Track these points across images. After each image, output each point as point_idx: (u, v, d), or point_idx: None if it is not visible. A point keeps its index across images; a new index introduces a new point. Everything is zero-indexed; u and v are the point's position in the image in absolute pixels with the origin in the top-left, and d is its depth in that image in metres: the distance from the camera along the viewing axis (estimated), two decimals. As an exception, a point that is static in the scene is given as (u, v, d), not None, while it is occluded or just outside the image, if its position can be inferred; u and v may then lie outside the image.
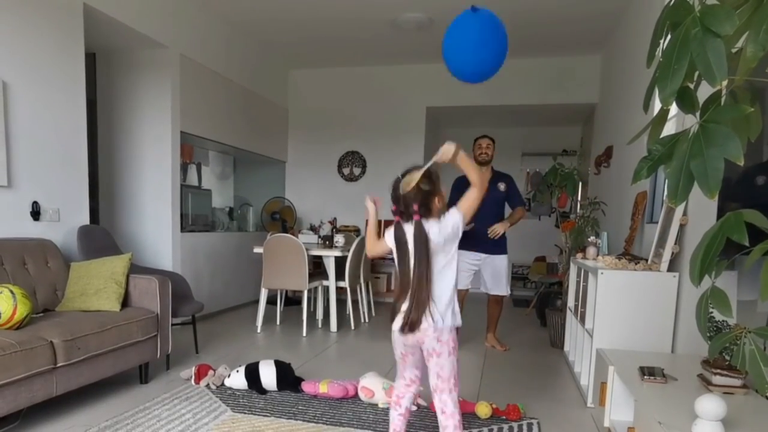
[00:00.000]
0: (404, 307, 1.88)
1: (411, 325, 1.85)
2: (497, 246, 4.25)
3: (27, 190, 3.25)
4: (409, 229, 1.89)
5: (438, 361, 1.90)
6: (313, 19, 5.14)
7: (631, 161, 3.77)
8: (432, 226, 1.88)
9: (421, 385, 2.13)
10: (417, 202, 1.85)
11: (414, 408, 2.82)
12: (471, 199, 1.95)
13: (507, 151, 7.82)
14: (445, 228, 1.89)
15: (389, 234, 1.99)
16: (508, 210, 4.36)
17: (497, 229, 4.12)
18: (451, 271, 1.92)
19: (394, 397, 2.08)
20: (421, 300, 1.84)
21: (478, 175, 1.96)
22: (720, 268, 1.36)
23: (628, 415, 2.27)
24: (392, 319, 1.94)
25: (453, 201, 4.57)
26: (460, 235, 1.92)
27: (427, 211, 1.88)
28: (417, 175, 1.86)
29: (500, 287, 4.32)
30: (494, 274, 4.29)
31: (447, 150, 1.93)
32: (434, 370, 1.92)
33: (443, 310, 1.88)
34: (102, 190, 4.66)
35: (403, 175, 1.90)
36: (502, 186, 4.27)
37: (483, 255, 4.24)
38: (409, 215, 1.88)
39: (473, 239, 4.11)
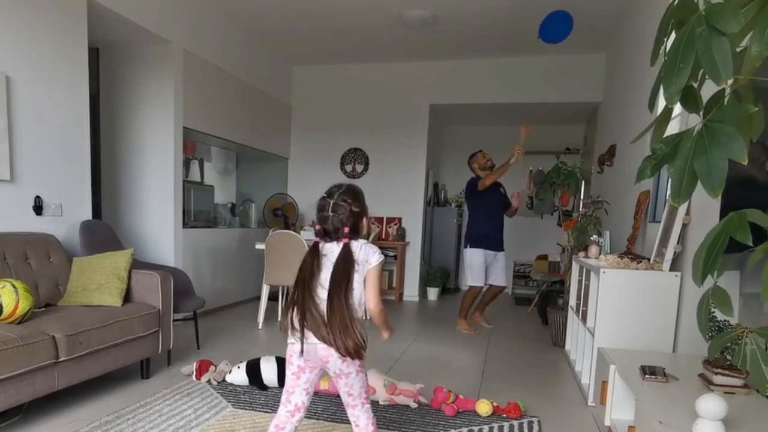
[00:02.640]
0: (307, 330, 1.74)
1: (355, 353, 1.72)
2: (502, 244, 5.02)
3: (30, 185, 3.25)
4: (331, 250, 1.79)
5: (347, 382, 1.81)
6: (317, 15, 5.13)
7: (635, 160, 3.76)
8: (356, 247, 1.79)
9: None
10: (348, 225, 1.77)
11: (415, 405, 2.83)
12: (373, 291, 1.82)
13: (509, 149, 7.79)
14: (365, 254, 1.79)
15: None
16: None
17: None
18: (357, 292, 1.78)
19: (272, 427, 1.84)
20: (344, 323, 1.71)
21: (379, 306, 1.85)
22: (722, 268, 1.35)
23: (628, 414, 2.27)
24: (287, 330, 1.79)
25: (471, 207, 5.11)
26: (367, 269, 1.79)
27: (355, 233, 1.81)
28: None
29: (503, 279, 5.01)
30: (499, 268, 4.95)
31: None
32: (344, 390, 1.83)
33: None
34: (104, 186, 4.67)
35: (329, 194, 1.81)
36: (502, 190, 5.03)
37: (492, 252, 4.90)
38: (338, 237, 1.79)
39: (490, 238, 4.89)
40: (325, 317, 1.72)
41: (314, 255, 1.80)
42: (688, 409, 1.62)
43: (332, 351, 1.73)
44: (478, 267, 4.85)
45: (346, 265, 1.75)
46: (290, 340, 1.79)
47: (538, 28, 4.15)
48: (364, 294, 1.80)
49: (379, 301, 1.84)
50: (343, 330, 1.70)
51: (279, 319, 5.06)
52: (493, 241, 4.89)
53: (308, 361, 1.79)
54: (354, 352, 1.72)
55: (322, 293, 1.75)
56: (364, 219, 1.85)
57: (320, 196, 1.88)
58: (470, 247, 4.89)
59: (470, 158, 5.13)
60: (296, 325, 1.76)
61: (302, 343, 1.76)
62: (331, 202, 1.78)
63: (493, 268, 4.92)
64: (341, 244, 1.77)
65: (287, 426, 1.83)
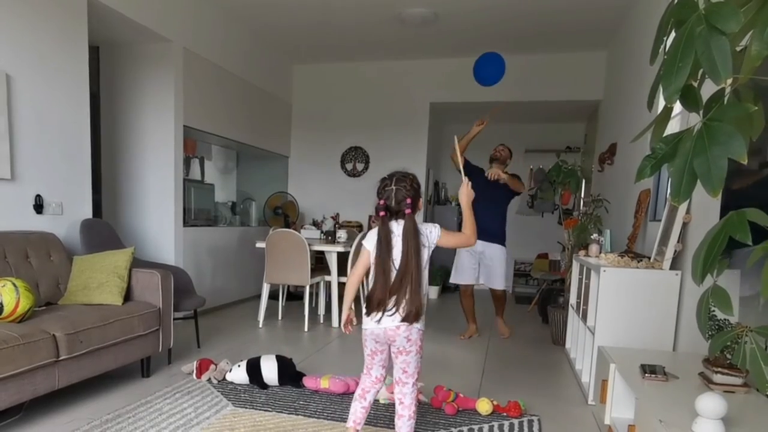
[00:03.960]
0: (390, 303, 1.96)
1: (411, 316, 1.93)
2: (492, 236, 4.38)
3: (30, 184, 3.26)
4: (396, 227, 1.98)
5: (405, 359, 2.04)
6: (317, 13, 5.13)
7: (635, 159, 3.76)
8: (420, 225, 1.98)
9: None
10: (410, 197, 1.95)
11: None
12: (455, 239, 2.14)
13: (511, 147, 7.80)
14: (426, 233, 2.01)
15: (371, 236, 2.06)
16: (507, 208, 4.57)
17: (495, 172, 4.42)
18: (424, 277, 2.00)
19: (359, 390, 2.16)
20: (413, 291, 1.92)
21: (473, 228, 2.10)
22: (722, 267, 1.35)
23: (628, 412, 2.27)
24: (369, 313, 2.01)
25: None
26: (432, 248, 2.04)
27: (415, 209, 1.97)
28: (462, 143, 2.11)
29: (494, 280, 4.43)
30: (488, 264, 4.42)
31: (467, 195, 2.17)
32: (401, 366, 2.06)
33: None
34: (105, 184, 4.67)
35: (391, 177, 2.00)
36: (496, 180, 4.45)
37: (481, 242, 4.29)
38: (399, 212, 1.97)
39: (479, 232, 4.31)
40: (399, 284, 1.93)
41: (387, 232, 1.97)
42: (688, 408, 1.62)
43: (399, 331, 1.97)
44: (459, 264, 4.55)
45: (414, 232, 1.94)
46: (365, 324, 2.04)
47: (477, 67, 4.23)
48: (456, 237, 2.10)
49: (467, 230, 2.10)
50: (412, 294, 1.91)
51: (279, 317, 5.07)
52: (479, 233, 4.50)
53: (378, 343, 2.06)
54: (416, 315, 1.93)
55: (394, 267, 1.96)
56: (420, 199, 2.02)
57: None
58: None
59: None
60: (375, 306, 1.97)
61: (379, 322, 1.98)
62: (395, 177, 1.98)
63: (484, 265, 4.48)
64: (405, 219, 1.95)
65: (372, 389, 2.16)
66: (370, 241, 2.05)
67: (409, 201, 1.93)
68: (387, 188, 1.98)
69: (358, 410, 2.16)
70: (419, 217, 2.12)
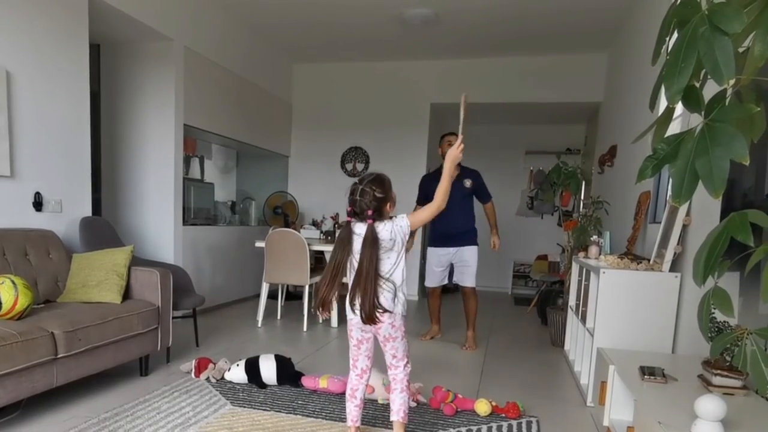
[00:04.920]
0: (357, 300, 2.07)
1: (368, 317, 2.03)
2: (465, 239, 4.35)
3: (30, 181, 3.25)
4: (359, 229, 2.09)
5: (393, 345, 2.17)
6: (318, 13, 5.13)
7: (636, 160, 3.75)
8: (384, 227, 2.08)
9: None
10: (371, 208, 2.05)
11: (413, 404, 2.83)
12: (425, 213, 2.19)
13: (510, 149, 7.82)
14: (396, 230, 2.10)
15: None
16: (477, 206, 4.47)
17: (496, 242, 4.41)
18: (399, 268, 2.12)
19: (349, 390, 2.25)
20: (368, 293, 2.02)
21: (445, 195, 2.16)
22: (723, 269, 1.35)
23: (627, 414, 2.27)
24: (351, 307, 2.12)
25: (419, 199, 4.62)
26: (406, 239, 2.13)
27: (379, 215, 2.08)
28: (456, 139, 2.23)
29: (466, 278, 4.35)
30: (461, 264, 4.36)
31: (455, 154, 2.22)
32: (390, 353, 2.20)
33: (396, 300, 2.11)
34: (104, 182, 4.67)
35: (359, 181, 2.11)
36: (468, 182, 4.36)
37: (452, 249, 4.34)
38: (363, 218, 2.06)
39: (442, 235, 4.37)
40: (357, 284, 2.05)
41: (348, 234, 2.11)
42: (687, 410, 1.62)
43: (384, 317, 2.07)
44: (429, 268, 4.46)
45: (371, 240, 2.05)
46: (349, 315, 2.15)
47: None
48: (425, 211, 2.19)
49: (439, 195, 2.17)
50: (365, 296, 2.01)
51: (278, 317, 5.06)
52: (450, 238, 4.31)
53: (364, 331, 2.16)
54: (368, 316, 2.01)
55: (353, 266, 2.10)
56: (388, 204, 2.12)
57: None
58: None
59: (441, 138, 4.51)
60: (355, 299, 2.07)
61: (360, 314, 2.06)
62: (360, 187, 2.08)
63: (459, 266, 4.34)
64: (367, 224, 2.06)
65: (359, 387, 2.24)
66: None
67: (370, 212, 2.04)
68: (353, 196, 2.09)
69: (352, 410, 2.25)
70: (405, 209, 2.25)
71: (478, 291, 4.42)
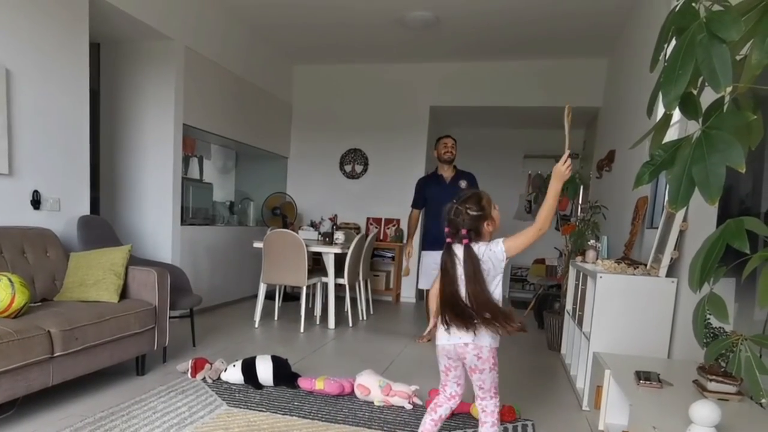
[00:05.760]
0: (453, 324, 1.95)
1: (491, 323, 1.93)
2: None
3: (28, 179, 3.25)
4: (458, 251, 1.96)
5: (480, 377, 2.02)
6: (319, 14, 5.14)
7: (633, 166, 3.76)
8: (478, 249, 1.95)
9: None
10: (466, 227, 1.93)
11: (410, 407, 2.83)
12: (522, 238, 1.96)
13: (509, 153, 7.84)
14: (489, 254, 1.95)
15: (429, 257, 2.05)
16: None
17: None
18: (494, 296, 1.98)
19: (432, 404, 2.16)
20: (466, 316, 1.91)
21: (548, 216, 1.95)
22: (719, 275, 1.36)
23: (622, 419, 2.27)
24: (440, 329, 2.00)
25: (416, 202, 4.54)
26: (501, 267, 1.98)
27: (476, 235, 1.96)
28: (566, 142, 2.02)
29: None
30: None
31: (561, 171, 1.96)
32: (477, 384, 2.05)
33: (483, 330, 1.95)
34: (103, 181, 4.66)
35: (457, 199, 1.99)
36: (463, 184, 4.39)
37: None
38: (459, 238, 1.94)
39: (437, 239, 4.23)
40: (469, 303, 1.92)
41: (450, 256, 1.98)
42: (682, 415, 1.63)
43: (468, 348, 1.96)
44: (430, 270, 4.40)
45: (471, 260, 1.92)
46: (439, 341, 2.03)
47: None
48: (524, 235, 1.96)
49: (541, 215, 1.96)
50: (482, 306, 1.90)
51: (276, 318, 5.06)
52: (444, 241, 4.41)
53: (451, 359, 2.04)
54: (501, 320, 1.92)
55: (461, 288, 1.95)
56: (485, 222, 1.97)
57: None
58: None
59: (437, 140, 4.66)
60: (447, 323, 1.96)
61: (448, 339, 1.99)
62: (455, 207, 1.98)
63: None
64: (463, 245, 1.94)
65: (444, 405, 2.13)
66: (430, 259, 2.06)
67: (464, 231, 1.93)
68: (449, 215, 1.99)
69: (427, 422, 2.14)
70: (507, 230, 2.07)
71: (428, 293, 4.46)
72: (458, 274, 1.95)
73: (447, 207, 2.02)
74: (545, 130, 7.75)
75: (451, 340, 1.98)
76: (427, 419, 2.14)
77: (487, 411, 2.08)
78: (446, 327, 1.97)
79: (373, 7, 4.90)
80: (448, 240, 2.00)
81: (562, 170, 1.95)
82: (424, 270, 4.52)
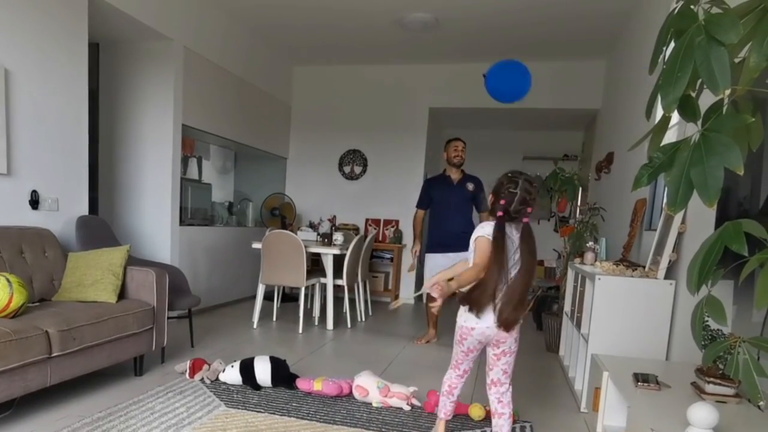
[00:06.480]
0: (500, 304, 1.91)
1: (510, 323, 1.92)
2: (467, 245, 4.27)
3: (26, 179, 3.25)
4: (510, 231, 1.91)
5: (508, 360, 2.05)
6: (318, 15, 5.14)
7: (632, 168, 3.77)
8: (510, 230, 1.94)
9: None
10: (532, 206, 1.90)
11: (408, 408, 2.83)
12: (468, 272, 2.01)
13: (508, 154, 7.84)
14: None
15: (485, 230, 1.95)
16: (475, 213, 4.52)
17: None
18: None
19: (446, 387, 2.22)
20: (523, 299, 1.90)
21: (473, 275, 1.98)
22: (717, 277, 1.36)
23: (621, 421, 2.28)
24: (478, 311, 1.95)
25: (422, 202, 4.54)
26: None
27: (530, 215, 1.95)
28: None
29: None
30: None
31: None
32: (502, 368, 2.06)
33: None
34: (102, 181, 4.66)
35: (515, 178, 1.93)
36: (471, 186, 4.44)
37: (453, 255, 4.21)
38: (519, 217, 1.91)
39: (442, 241, 4.36)
40: (515, 293, 1.90)
41: (503, 236, 1.90)
42: (680, 417, 1.63)
43: (512, 332, 1.96)
44: (429, 272, 4.43)
45: (532, 242, 1.90)
46: (470, 323, 1.99)
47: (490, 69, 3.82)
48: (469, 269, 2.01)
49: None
50: (520, 304, 1.90)
51: (274, 318, 5.05)
52: (451, 244, 4.26)
53: (481, 342, 2.03)
54: (511, 322, 1.93)
55: (511, 272, 1.91)
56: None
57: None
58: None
59: (446, 143, 4.66)
60: (484, 303, 1.92)
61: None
62: (519, 180, 1.90)
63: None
64: (521, 225, 1.89)
65: (458, 385, 2.21)
66: (486, 231, 1.97)
67: (530, 210, 1.89)
68: (512, 190, 1.91)
69: (447, 404, 2.23)
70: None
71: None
72: (509, 254, 1.90)
73: (506, 182, 1.93)
74: (544, 131, 7.76)
75: (488, 323, 1.97)
76: (447, 402, 2.20)
77: (503, 401, 2.12)
78: (477, 312, 1.93)
79: (372, 9, 4.91)
80: (500, 214, 1.91)
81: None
82: (429, 273, 4.44)
